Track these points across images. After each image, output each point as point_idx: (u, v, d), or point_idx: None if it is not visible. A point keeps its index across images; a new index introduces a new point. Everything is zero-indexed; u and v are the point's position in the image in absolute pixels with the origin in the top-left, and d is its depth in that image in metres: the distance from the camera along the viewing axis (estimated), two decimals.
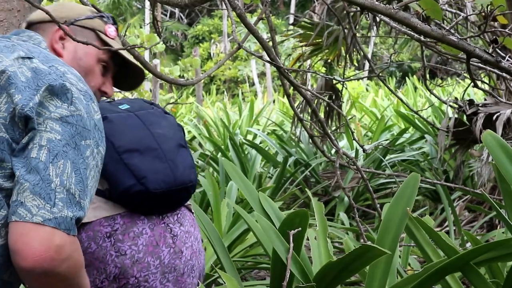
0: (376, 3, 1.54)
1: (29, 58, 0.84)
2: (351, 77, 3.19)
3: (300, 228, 1.30)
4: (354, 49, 3.07)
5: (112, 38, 1.06)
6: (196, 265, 1.24)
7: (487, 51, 1.59)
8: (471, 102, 2.97)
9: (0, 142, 0.77)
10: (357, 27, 2.78)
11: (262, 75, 13.88)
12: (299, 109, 3.37)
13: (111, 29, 1.06)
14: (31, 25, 1.01)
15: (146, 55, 8.98)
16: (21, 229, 0.74)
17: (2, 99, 0.79)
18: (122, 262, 1.15)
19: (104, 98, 1.12)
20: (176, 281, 1.19)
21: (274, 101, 8.48)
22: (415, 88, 8.78)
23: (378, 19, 2.77)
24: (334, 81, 3.33)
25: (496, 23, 2.36)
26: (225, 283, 1.30)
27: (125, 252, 1.16)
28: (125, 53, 1.06)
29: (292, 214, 1.33)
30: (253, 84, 13.67)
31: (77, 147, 0.80)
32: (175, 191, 1.20)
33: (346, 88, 3.09)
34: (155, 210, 1.21)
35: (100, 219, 1.17)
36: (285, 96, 2.33)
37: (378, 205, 2.01)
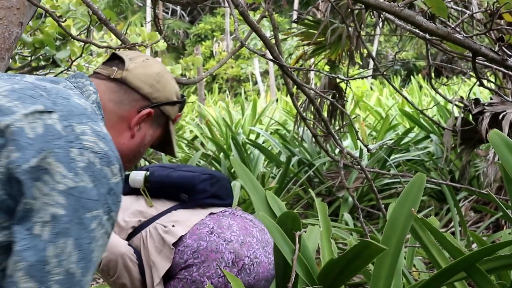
0: (381, 1, 1.52)
1: (48, 112, 0.80)
2: (355, 76, 3.17)
3: (305, 230, 1.28)
4: (358, 48, 3.04)
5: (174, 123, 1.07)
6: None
7: (493, 49, 1.56)
8: (477, 101, 2.94)
9: None
10: (361, 25, 2.76)
11: (265, 73, 13.87)
12: (302, 108, 3.36)
13: (179, 117, 1.06)
14: (117, 80, 0.96)
15: (148, 54, 8.97)
16: None
17: (3, 153, 0.76)
18: (233, 247, 1.34)
19: None
20: (272, 252, 1.35)
21: (277, 100, 8.47)
22: (420, 87, 8.74)
23: (382, 17, 2.75)
24: (338, 80, 3.30)
25: (502, 21, 2.33)
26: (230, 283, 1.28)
27: (231, 239, 1.35)
28: (173, 135, 1.06)
29: (283, 216, 1.31)
30: (256, 82, 13.66)
31: (80, 221, 0.76)
32: (227, 181, 1.57)
33: (350, 87, 3.06)
34: (223, 200, 1.49)
35: (195, 225, 1.38)
36: (288, 95, 2.31)
37: (383, 206, 1.99)
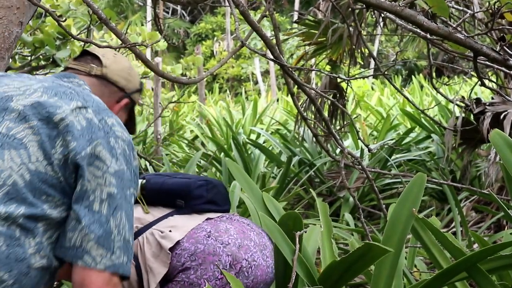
0: (382, 0, 1.51)
1: (85, 107, 0.97)
2: (356, 76, 3.16)
3: (305, 230, 1.28)
4: (359, 47, 3.04)
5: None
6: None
7: (495, 49, 1.56)
8: (478, 101, 2.93)
9: (52, 180, 0.90)
10: (362, 24, 2.75)
11: (265, 73, 13.85)
12: (303, 108, 3.35)
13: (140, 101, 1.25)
14: (97, 76, 1.13)
15: (148, 53, 8.98)
16: (86, 274, 0.91)
17: (58, 142, 0.92)
18: (230, 249, 1.34)
19: None
20: (271, 255, 1.37)
21: (277, 100, 8.46)
22: (421, 86, 8.73)
23: (383, 17, 2.74)
24: (339, 80, 3.30)
25: (503, 20, 2.32)
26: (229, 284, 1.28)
27: (228, 242, 1.35)
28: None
29: (285, 216, 1.31)
30: (256, 82, 13.65)
31: (126, 197, 0.96)
32: (224, 188, 1.54)
33: (351, 87, 3.05)
34: (220, 206, 1.50)
35: (192, 230, 1.38)
36: (289, 95, 2.31)
37: (384, 206, 1.99)
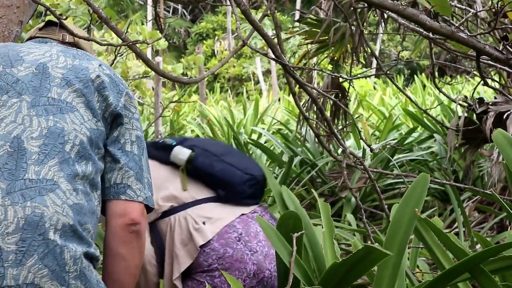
0: None
1: (100, 65, 1.07)
2: (358, 75, 3.15)
3: (304, 231, 1.27)
4: (361, 47, 3.03)
5: None
6: None
7: (498, 48, 1.55)
8: (481, 101, 2.92)
9: (101, 134, 1.02)
10: (364, 24, 2.74)
11: (267, 73, 13.84)
12: (305, 108, 3.34)
13: None
14: (69, 43, 1.18)
15: (148, 53, 8.97)
16: (128, 205, 1.04)
17: (98, 98, 1.02)
18: (257, 258, 1.35)
19: None
20: None
21: (279, 100, 8.45)
22: (424, 86, 8.70)
23: (386, 16, 2.73)
24: (341, 79, 3.28)
25: (506, 19, 2.31)
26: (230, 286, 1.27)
27: (256, 249, 1.35)
28: None
29: (285, 216, 1.30)
30: (258, 82, 13.63)
31: (143, 139, 1.09)
32: (264, 179, 1.49)
33: (353, 87, 3.05)
34: (256, 199, 1.47)
35: (224, 228, 1.37)
36: (291, 95, 2.30)
37: (386, 206, 1.98)
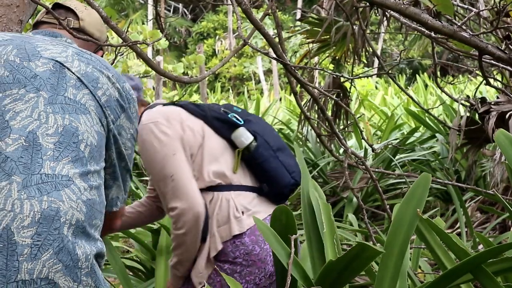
0: None
1: (111, 76, 1.07)
2: (360, 75, 3.14)
3: (303, 233, 1.26)
4: (363, 46, 3.02)
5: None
6: None
7: (500, 47, 1.54)
8: (483, 100, 2.91)
9: (102, 138, 1.06)
10: (366, 23, 2.73)
11: (268, 72, 13.83)
12: (306, 108, 3.33)
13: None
14: (75, 29, 1.18)
15: (149, 52, 8.97)
16: (114, 216, 1.24)
17: (104, 111, 1.05)
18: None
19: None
20: None
21: (280, 99, 8.44)
22: (426, 85, 8.69)
23: (387, 15, 2.72)
24: (342, 79, 3.28)
25: (509, 19, 2.29)
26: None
27: None
28: None
29: (277, 212, 1.30)
30: (259, 81, 13.63)
31: (130, 153, 1.18)
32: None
33: (355, 86, 3.03)
34: (286, 200, 1.50)
35: (254, 224, 1.36)
36: (292, 94, 2.29)
37: (388, 206, 1.97)
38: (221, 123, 1.48)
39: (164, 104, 1.51)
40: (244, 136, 1.46)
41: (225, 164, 1.45)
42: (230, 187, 1.43)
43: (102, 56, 1.25)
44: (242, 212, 1.40)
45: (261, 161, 1.46)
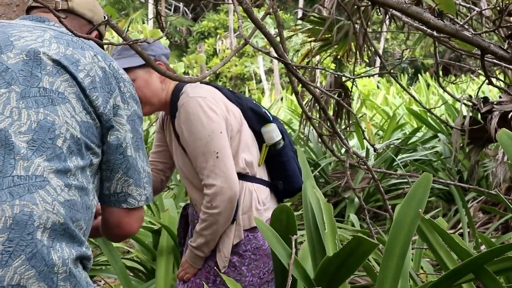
0: None
1: (95, 54, 0.99)
2: (362, 74, 3.13)
3: (303, 233, 1.26)
4: (365, 45, 3.01)
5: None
6: None
7: (502, 47, 1.53)
8: (485, 100, 2.89)
9: (92, 128, 0.96)
10: (368, 22, 2.72)
11: (269, 71, 13.82)
12: (307, 107, 3.32)
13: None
14: (64, 10, 1.10)
15: None
16: (126, 214, 1.03)
17: (89, 94, 0.95)
18: None
19: None
20: None
21: (282, 99, 8.44)
22: (428, 85, 8.67)
23: (389, 14, 2.71)
24: (344, 78, 3.27)
25: (511, 18, 2.28)
26: None
27: None
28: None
29: (277, 211, 1.29)
30: (260, 81, 13.62)
31: (140, 135, 1.03)
32: None
33: (356, 86, 3.02)
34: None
35: (267, 220, 1.41)
36: (293, 94, 2.28)
37: (390, 206, 1.96)
38: (255, 114, 1.51)
39: (201, 82, 1.52)
40: (275, 133, 1.50)
41: (253, 156, 1.48)
42: (254, 179, 1.47)
43: (98, 37, 1.16)
44: (263, 205, 1.45)
45: (284, 160, 1.52)
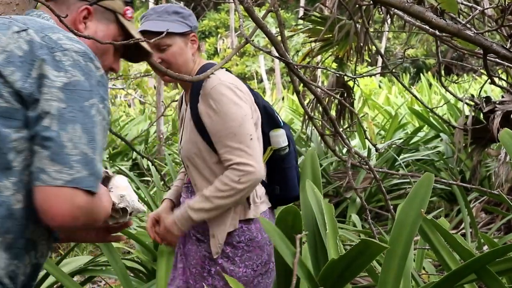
0: None
1: (24, 30, 0.91)
2: (364, 74, 3.12)
3: (307, 232, 1.25)
4: (367, 45, 3.00)
5: (129, 20, 1.13)
6: None
7: (505, 46, 1.52)
8: (488, 100, 2.88)
9: (8, 110, 0.86)
10: (369, 21, 2.71)
11: (270, 71, 13.82)
12: (309, 107, 3.31)
13: (129, 11, 1.13)
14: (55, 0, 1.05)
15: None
16: (44, 192, 0.85)
17: (3, 73, 0.87)
18: (270, 250, 1.44)
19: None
20: None
21: (283, 98, 8.44)
22: (430, 84, 8.64)
23: (391, 13, 2.70)
24: (346, 78, 3.26)
25: None
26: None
27: (271, 242, 1.42)
28: (134, 32, 1.13)
29: (283, 212, 1.29)
30: (261, 80, 13.62)
31: (82, 109, 0.88)
32: None
33: (358, 85, 3.02)
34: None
35: (264, 211, 1.44)
36: (295, 93, 2.28)
37: (392, 207, 1.95)
38: (267, 116, 1.53)
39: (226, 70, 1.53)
40: (282, 138, 1.52)
41: (261, 152, 1.50)
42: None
43: (89, 12, 1.05)
44: (259, 199, 1.47)
45: (286, 167, 1.53)
